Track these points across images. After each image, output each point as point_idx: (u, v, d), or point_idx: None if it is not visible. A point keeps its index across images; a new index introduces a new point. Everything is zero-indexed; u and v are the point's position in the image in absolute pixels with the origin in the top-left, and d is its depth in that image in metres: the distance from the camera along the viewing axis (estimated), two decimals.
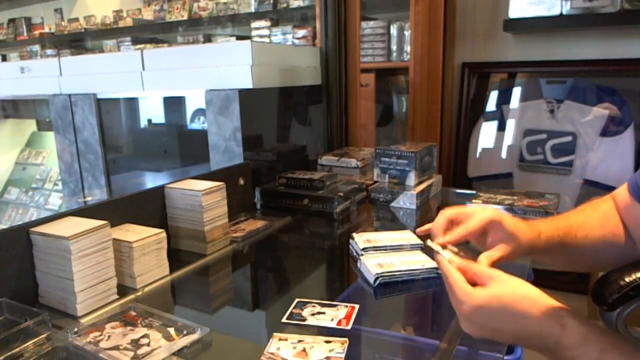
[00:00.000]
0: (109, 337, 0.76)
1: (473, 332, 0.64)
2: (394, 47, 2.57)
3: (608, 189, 1.61)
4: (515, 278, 0.64)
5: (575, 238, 0.81)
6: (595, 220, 0.84)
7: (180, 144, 1.97)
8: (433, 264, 0.97)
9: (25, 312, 0.78)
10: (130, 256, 0.94)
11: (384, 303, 0.93)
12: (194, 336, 0.76)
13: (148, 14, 3.49)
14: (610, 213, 0.87)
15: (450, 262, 0.67)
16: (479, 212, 0.77)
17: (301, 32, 2.75)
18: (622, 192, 0.89)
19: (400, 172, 1.50)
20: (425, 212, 1.48)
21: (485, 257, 0.72)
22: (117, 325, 0.80)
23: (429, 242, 0.74)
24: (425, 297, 0.95)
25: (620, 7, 1.91)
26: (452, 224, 0.78)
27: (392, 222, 1.39)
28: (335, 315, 0.82)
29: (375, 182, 1.54)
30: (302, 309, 0.84)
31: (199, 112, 1.87)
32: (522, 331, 0.60)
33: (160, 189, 1.14)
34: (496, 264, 0.73)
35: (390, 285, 0.94)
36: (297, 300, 0.87)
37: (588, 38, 2.16)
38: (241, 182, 1.39)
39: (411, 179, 1.48)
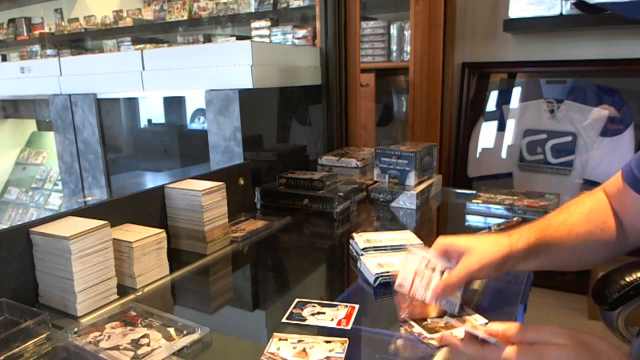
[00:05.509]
0: (109, 337, 0.76)
1: None
2: (394, 47, 2.57)
3: None
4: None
5: (558, 236, 0.80)
6: (580, 216, 0.83)
7: (180, 144, 1.97)
8: None
9: (25, 312, 0.78)
10: (130, 256, 0.94)
11: (384, 303, 0.93)
12: (194, 336, 0.76)
13: (148, 14, 3.49)
14: (597, 207, 0.85)
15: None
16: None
17: (301, 32, 2.75)
18: (613, 181, 0.87)
19: (400, 172, 1.50)
20: (425, 212, 1.48)
21: (442, 283, 0.72)
22: (117, 325, 0.80)
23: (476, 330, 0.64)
24: None
25: None
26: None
27: (392, 222, 1.39)
28: (335, 315, 0.82)
29: (375, 182, 1.54)
30: (302, 309, 0.84)
31: (199, 112, 1.87)
32: None
33: (160, 189, 1.14)
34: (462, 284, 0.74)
35: (390, 285, 0.94)
36: (297, 300, 0.87)
37: (588, 38, 2.16)
38: (241, 182, 1.39)
39: (411, 179, 1.48)
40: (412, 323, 0.77)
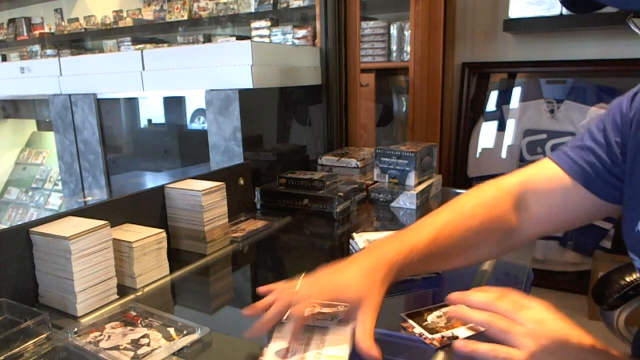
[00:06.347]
0: (109, 337, 0.76)
1: None
2: (394, 47, 2.57)
3: None
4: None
5: (451, 236, 0.78)
6: (473, 209, 0.81)
7: (180, 144, 1.97)
8: None
9: (25, 312, 0.78)
10: (130, 256, 0.94)
11: (384, 303, 0.92)
12: (194, 336, 0.76)
13: (148, 14, 3.49)
14: (499, 196, 0.82)
15: None
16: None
17: (301, 32, 2.76)
18: (537, 174, 0.81)
19: (400, 172, 1.50)
20: (425, 212, 1.47)
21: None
22: (117, 325, 0.80)
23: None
24: (426, 297, 0.95)
25: None
26: None
27: (392, 222, 1.39)
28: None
29: (375, 182, 1.54)
30: None
31: (199, 112, 1.87)
32: None
33: (160, 189, 1.14)
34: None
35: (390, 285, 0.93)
36: None
37: (588, 38, 2.16)
38: (241, 182, 1.39)
39: (411, 179, 1.48)
40: (413, 323, 0.77)
